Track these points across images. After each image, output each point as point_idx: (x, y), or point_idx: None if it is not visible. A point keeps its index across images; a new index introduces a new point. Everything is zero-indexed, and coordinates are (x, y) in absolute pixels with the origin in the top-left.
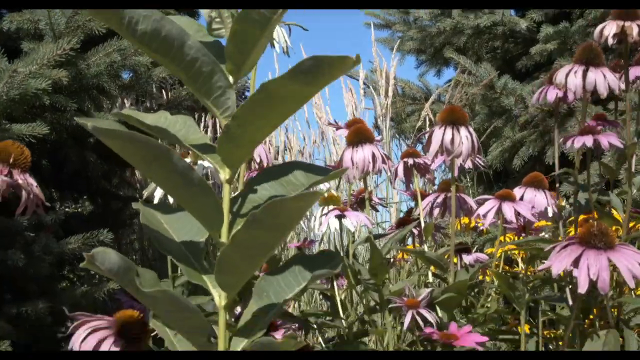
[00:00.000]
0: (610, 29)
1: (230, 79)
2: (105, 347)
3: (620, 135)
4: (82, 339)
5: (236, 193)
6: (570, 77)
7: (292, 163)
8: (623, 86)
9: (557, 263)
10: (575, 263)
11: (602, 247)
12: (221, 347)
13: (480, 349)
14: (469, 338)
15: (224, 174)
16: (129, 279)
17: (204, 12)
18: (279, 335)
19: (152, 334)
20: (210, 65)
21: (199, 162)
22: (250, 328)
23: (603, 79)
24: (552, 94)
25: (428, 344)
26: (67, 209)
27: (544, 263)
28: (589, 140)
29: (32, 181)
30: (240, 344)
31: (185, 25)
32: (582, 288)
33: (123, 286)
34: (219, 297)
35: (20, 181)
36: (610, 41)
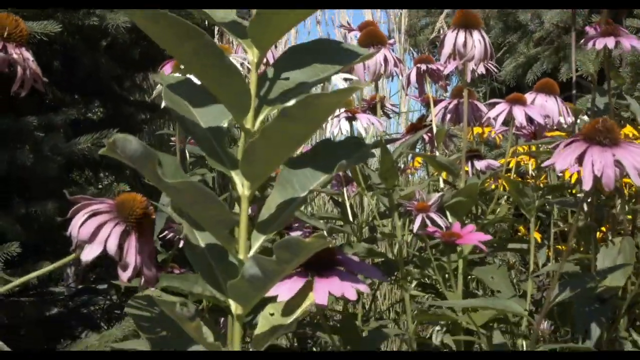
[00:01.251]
0: None
1: None
2: (105, 231)
3: None
4: (81, 223)
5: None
6: None
7: (321, 42)
8: None
9: (561, 160)
10: (580, 159)
11: (607, 144)
12: (242, 238)
13: (483, 248)
14: (472, 237)
15: (253, 56)
16: (150, 168)
17: None
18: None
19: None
20: None
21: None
22: (274, 219)
23: None
24: None
25: (437, 251)
26: (77, 112)
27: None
28: (610, 42)
29: (28, 55)
30: (263, 235)
31: None
32: (587, 185)
33: (144, 175)
34: (242, 187)
35: (15, 56)
36: None
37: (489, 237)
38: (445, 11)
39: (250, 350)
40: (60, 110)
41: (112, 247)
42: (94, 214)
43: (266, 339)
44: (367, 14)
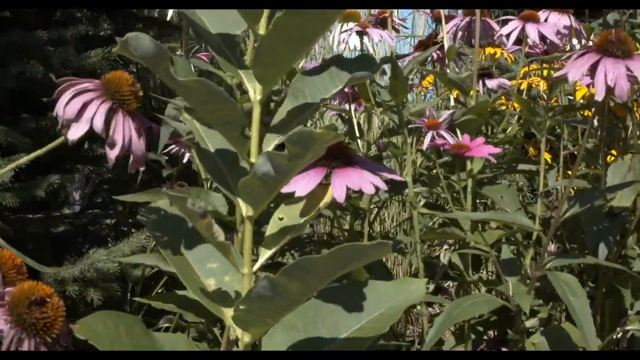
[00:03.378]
0: None
1: None
2: (91, 109)
3: None
4: (66, 102)
5: None
6: None
7: None
8: None
9: (574, 70)
10: (593, 70)
11: (620, 56)
12: (254, 141)
13: (493, 160)
14: (482, 149)
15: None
16: (163, 67)
17: None
18: None
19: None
20: None
21: None
22: (286, 124)
23: None
24: None
25: (446, 170)
26: (85, 28)
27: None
28: None
29: None
30: (274, 140)
31: None
32: (600, 95)
33: (157, 73)
34: (254, 92)
35: None
36: None
37: (498, 150)
38: None
39: (261, 249)
40: (70, 25)
41: (98, 125)
42: (80, 93)
43: (276, 241)
44: None
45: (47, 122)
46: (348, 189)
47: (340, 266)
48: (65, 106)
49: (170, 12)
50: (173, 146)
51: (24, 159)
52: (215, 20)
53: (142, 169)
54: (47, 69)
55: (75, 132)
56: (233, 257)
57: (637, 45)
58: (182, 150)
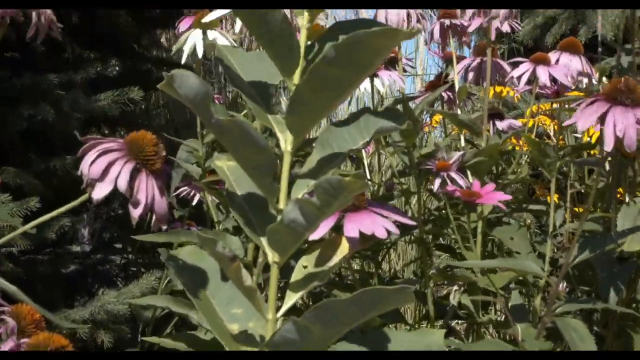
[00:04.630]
0: None
1: None
2: (116, 169)
3: None
4: (91, 161)
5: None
6: None
7: (365, 20)
8: None
9: (583, 119)
10: (602, 120)
11: (629, 104)
12: (283, 189)
13: (503, 207)
14: (493, 196)
15: (304, 20)
16: (205, 106)
17: None
18: None
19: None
20: None
21: None
22: (314, 173)
23: None
24: None
25: (455, 211)
26: (95, 69)
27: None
28: None
29: None
30: (303, 188)
31: None
32: (609, 145)
33: (196, 113)
34: (285, 142)
35: None
36: None
37: (509, 197)
38: None
39: (287, 293)
40: (80, 67)
41: (122, 185)
42: (105, 152)
43: (301, 288)
44: None
45: (56, 163)
46: (361, 233)
47: (364, 311)
48: (90, 165)
49: (185, 54)
50: (184, 188)
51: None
52: (251, 71)
53: (164, 227)
54: (57, 112)
55: (99, 192)
56: (258, 302)
57: None
58: (193, 192)
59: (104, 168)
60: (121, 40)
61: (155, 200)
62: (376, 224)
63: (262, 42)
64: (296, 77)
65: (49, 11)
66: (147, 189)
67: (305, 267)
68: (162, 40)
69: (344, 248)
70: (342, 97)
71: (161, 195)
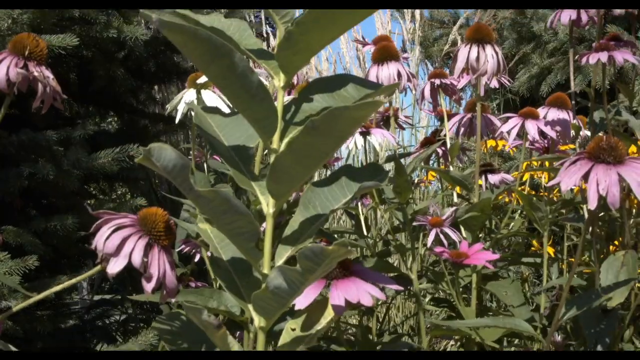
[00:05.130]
0: None
1: None
2: (130, 244)
3: (636, 53)
4: (106, 237)
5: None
6: None
7: (343, 76)
8: None
9: (566, 179)
10: (585, 178)
11: (611, 162)
12: (267, 253)
13: (490, 267)
14: (480, 256)
15: (279, 81)
16: (183, 177)
17: None
18: None
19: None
20: None
21: None
22: (297, 236)
23: None
24: (566, 16)
25: (450, 265)
26: (93, 125)
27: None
28: (603, 56)
29: (48, 74)
30: (286, 252)
31: None
32: (592, 204)
33: (176, 184)
34: (267, 205)
35: (36, 74)
36: None
37: (496, 257)
38: (459, 22)
39: None
40: (78, 124)
41: (137, 260)
42: (118, 228)
43: (289, 350)
44: (378, 27)
45: (57, 223)
46: (346, 301)
47: None
48: (105, 241)
49: (180, 113)
50: (184, 246)
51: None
52: (230, 133)
53: (173, 300)
54: (57, 169)
55: (114, 267)
56: None
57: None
58: (194, 250)
59: (119, 244)
60: (119, 96)
61: (167, 274)
62: (362, 291)
63: (239, 107)
64: (275, 140)
65: (53, 83)
66: (159, 264)
67: (293, 329)
68: (158, 96)
69: (331, 311)
70: (321, 162)
71: (172, 269)
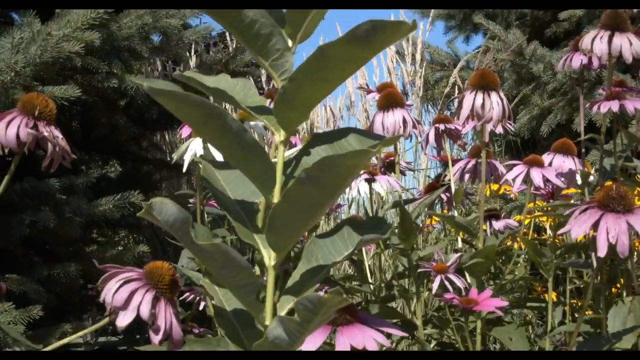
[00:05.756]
0: None
1: (289, 42)
2: (137, 297)
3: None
4: (114, 292)
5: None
6: (596, 43)
7: (346, 129)
8: None
9: (577, 227)
10: (595, 227)
11: (621, 211)
12: (269, 305)
13: (500, 313)
14: (489, 303)
15: (279, 136)
16: (184, 231)
17: None
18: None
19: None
20: (269, 27)
21: (246, 122)
22: (299, 288)
23: (629, 44)
24: (577, 60)
25: (455, 310)
26: (96, 172)
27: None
28: (615, 105)
29: (57, 133)
30: (288, 303)
31: None
32: (602, 252)
33: (177, 237)
34: (269, 258)
35: (45, 133)
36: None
37: (505, 304)
38: (459, 65)
39: None
40: (80, 172)
41: (145, 313)
42: (126, 282)
43: None
44: (380, 72)
45: (60, 271)
46: (352, 347)
47: None
48: (113, 295)
49: (187, 162)
50: (188, 294)
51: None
52: (235, 188)
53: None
54: (59, 217)
55: (123, 320)
56: None
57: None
58: (197, 297)
59: (127, 297)
60: (121, 143)
61: (173, 326)
62: (367, 337)
63: (236, 165)
64: (276, 195)
65: (63, 142)
66: (165, 316)
67: None
68: (162, 143)
69: None
70: (318, 213)
71: (177, 321)
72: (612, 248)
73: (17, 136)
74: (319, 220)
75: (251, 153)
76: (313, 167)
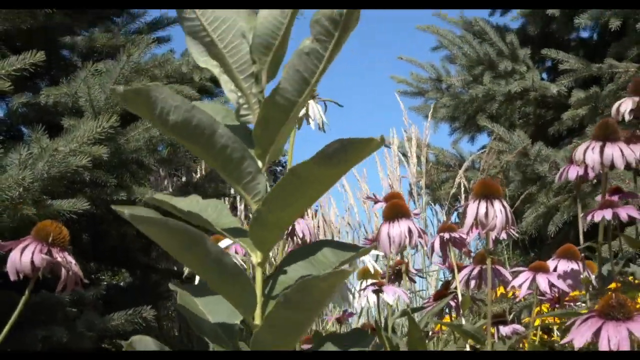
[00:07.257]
0: (626, 105)
1: (259, 163)
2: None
3: None
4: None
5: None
6: (588, 154)
7: (321, 242)
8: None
9: (579, 337)
10: (596, 335)
11: (621, 318)
12: None
13: None
14: None
15: (256, 258)
16: None
17: (231, 99)
18: None
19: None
20: (240, 152)
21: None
22: None
23: (620, 153)
24: (573, 172)
25: None
26: (106, 282)
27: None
28: (608, 214)
29: (70, 259)
30: None
31: (214, 111)
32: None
33: None
34: None
35: (59, 259)
36: (627, 117)
37: None
38: (465, 165)
39: None
40: (91, 283)
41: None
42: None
43: None
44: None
45: None
46: None
47: None
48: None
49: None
50: None
51: None
52: (214, 310)
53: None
54: (71, 332)
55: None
56: None
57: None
58: None
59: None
60: (131, 253)
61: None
62: None
63: (216, 288)
64: (257, 316)
65: (76, 268)
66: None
67: None
68: None
69: None
70: (299, 335)
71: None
72: None
73: (32, 262)
74: (300, 339)
75: (231, 277)
76: (291, 291)
